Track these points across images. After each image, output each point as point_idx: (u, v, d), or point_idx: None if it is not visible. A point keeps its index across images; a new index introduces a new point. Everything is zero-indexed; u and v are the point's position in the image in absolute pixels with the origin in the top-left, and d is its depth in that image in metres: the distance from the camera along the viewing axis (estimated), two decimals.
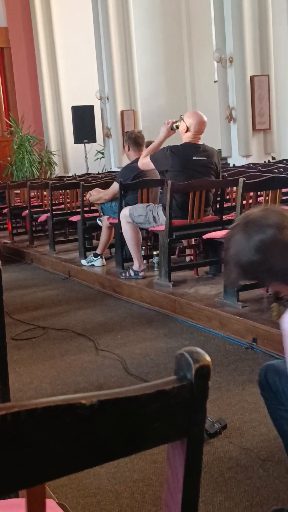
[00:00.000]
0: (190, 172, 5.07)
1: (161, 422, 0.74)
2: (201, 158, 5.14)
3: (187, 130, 5.11)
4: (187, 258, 5.63)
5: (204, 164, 5.17)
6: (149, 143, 6.05)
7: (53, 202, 7.57)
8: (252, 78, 9.67)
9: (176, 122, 5.20)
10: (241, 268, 1.74)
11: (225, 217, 5.37)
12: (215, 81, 11.62)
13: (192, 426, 0.76)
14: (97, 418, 0.69)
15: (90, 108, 13.73)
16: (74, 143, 14.06)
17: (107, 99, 12.87)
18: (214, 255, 5.29)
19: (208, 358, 0.75)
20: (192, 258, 5.51)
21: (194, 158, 5.11)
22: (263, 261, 1.69)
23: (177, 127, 5.19)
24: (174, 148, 5.13)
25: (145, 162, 5.27)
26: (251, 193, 5.14)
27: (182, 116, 5.17)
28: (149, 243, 6.10)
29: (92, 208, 6.87)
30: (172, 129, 5.21)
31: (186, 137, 5.16)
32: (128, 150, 5.97)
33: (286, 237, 1.67)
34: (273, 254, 1.68)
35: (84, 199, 6.54)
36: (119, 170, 8.86)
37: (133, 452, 0.76)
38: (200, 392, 0.75)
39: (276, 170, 5.45)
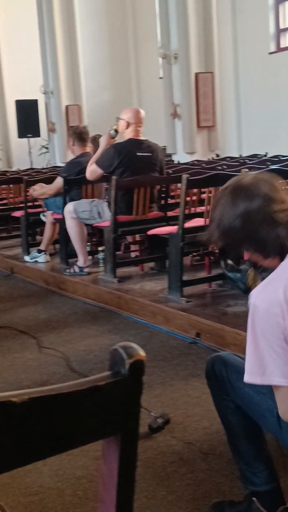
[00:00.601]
0: (135, 168, 5.07)
1: (96, 418, 0.74)
2: (145, 154, 5.16)
3: (128, 125, 5.13)
4: (133, 254, 5.64)
5: (148, 160, 5.18)
6: (95, 138, 6.03)
7: None
8: (196, 75, 9.77)
9: (113, 128, 5.22)
10: (221, 231, 1.76)
11: (169, 214, 5.40)
12: (160, 78, 11.67)
13: (127, 421, 0.76)
14: (29, 416, 0.68)
15: (34, 102, 13.57)
16: (18, 137, 13.87)
17: (52, 93, 12.75)
18: (159, 251, 5.31)
19: (142, 353, 0.75)
20: (138, 254, 5.52)
21: (138, 154, 5.12)
22: (243, 229, 1.71)
23: (116, 131, 5.20)
24: (118, 145, 5.13)
25: (92, 170, 5.21)
26: (195, 190, 5.20)
27: (118, 117, 5.22)
28: (94, 239, 6.07)
29: (35, 203, 6.78)
30: (112, 137, 5.20)
31: (128, 134, 5.17)
32: (73, 145, 5.92)
33: (270, 210, 1.68)
34: (254, 224, 1.69)
35: (28, 194, 6.44)
36: (63, 165, 8.79)
37: (68, 449, 0.75)
38: (134, 387, 0.75)
39: (220, 167, 5.51)
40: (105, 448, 0.78)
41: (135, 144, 5.13)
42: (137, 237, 5.49)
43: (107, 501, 0.79)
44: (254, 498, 1.93)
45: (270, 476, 1.93)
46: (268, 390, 1.92)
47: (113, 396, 0.74)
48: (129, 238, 5.55)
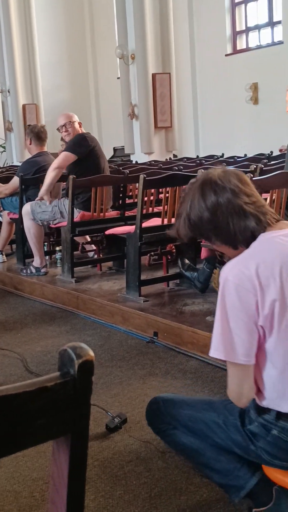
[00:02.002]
0: (97, 160, 5.18)
1: (45, 419, 0.74)
2: (97, 146, 5.34)
3: (80, 125, 5.44)
4: (90, 254, 5.62)
5: (101, 152, 5.35)
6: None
7: None
8: (153, 75, 9.80)
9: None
10: (190, 224, 1.79)
11: (127, 213, 5.42)
12: (118, 78, 11.68)
13: (76, 421, 0.76)
14: None
15: None
16: None
17: (8, 92, 12.60)
18: (117, 251, 5.32)
19: (91, 353, 0.75)
20: (96, 254, 5.51)
21: (96, 147, 5.25)
22: (212, 221, 1.74)
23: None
24: (82, 135, 5.34)
25: (64, 159, 5.20)
26: (153, 190, 5.22)
27: (64, 125, 5.41)
28: (51, 239, 6.03)
29: None
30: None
31: (78, 131, 5.36)
32: (30, 144, 5.87)
33: (239, 202, 1.71)
34: (223, 216, 1.72)
35: None
36: (20, 164, 8.70)
37: (17, 450, 0.75)
38: (83, 387, 0.75)
39: (177, 168, 5.55)
40: (55, 449, 0.78)
41: (88, 137, 5.37)
42: (87, 237, 5.50)
43: (58, 502, 0.79)
44: (254, 510, 1.90)
45: (250, 468, 1.92)
46: (208, 405, 1.95)
47: (62, 396, 0.74)
48: (83, 239, 5.53)
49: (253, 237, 1.72)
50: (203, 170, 4.55)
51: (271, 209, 1.79)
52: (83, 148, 5.18)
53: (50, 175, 5.22)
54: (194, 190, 1.78)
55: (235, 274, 1.65)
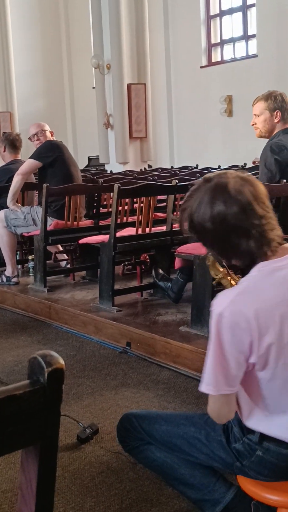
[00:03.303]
0: (65, 168, 5.18)
1: (14, 428, 0.72)
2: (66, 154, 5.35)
3: (52, 134, 5.49)
4: (63, 263, 5.59)
5: (72, 161, 5.38)
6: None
7: None
8: (129, 86, 9.85)
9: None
10: (191, 224, 1.68)
11: (101, 223, 5.40)
12: (93, 87, 11.70)
13: (46, 430, 0.74)
14: None
15: None
16: None
17: None
18: (91, 260, 5.30)
19: (61, 361, 0.74)
20: (69, 263, 5.48)
21: (64, 155, 5.25)
22: (212, 231, 1.63)
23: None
24: (49, 142, 5.35)
25: (27, 165, 5.19)
26: (127, 200, 5.23)
27: (34, 134, 5.45)
28: (24, 248, 5.98)
29: None
30: None
31: (47, 138, 5.42)
32: (4, 151, 5.83)
33: (246, 221, 1.60)
34: (225, 231, 1.62)
35: None
36: None
37: None
38: (53, 395, 0.74)
39: (151, 178, 5.56)
40: (24, 458, 0.77)
41: (59, 145, 5.39)
42: (60, 247, 5.48)
43: None
44: None
45: (226, 482, 1.90)
46: (186, 419, 1.94)
47: (32, 405, 0.72)
48: (55, 248, 5.50)
49: (251, 260, 1.65)
50: (177, 181, 4.58)
51: (279, 232, 1.66)
52: (48, 154, 5.17)
53: (13, 182, 5.22)
54: (205, 191, 1.65)
55: (232, 312, 1.57)
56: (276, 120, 3.97)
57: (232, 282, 1.91)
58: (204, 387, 1.63)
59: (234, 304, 1.57)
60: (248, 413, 1.72)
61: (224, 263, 1.84)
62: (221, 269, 1.94)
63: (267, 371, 1.62)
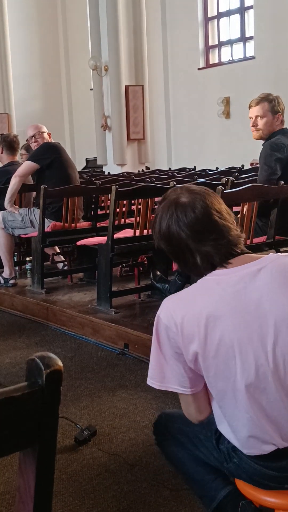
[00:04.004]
0: (63, 170, 5.18)
1: (11, 430, 0.72)
2: (63, 156, 5.34)
3: (49, 135, 5.49)
4: (60, 265, 5.58)
5: (70, 163, 5.36)
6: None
7: None
8: (126, 87, 9.85)
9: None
10: (158, 240, 1.73)
11: (99, 224, 5.40)
12: (91, 89, 11.70)
13: (44, 432, 0.74)
14: None
15: None
16: None
17: None
18: (89, 262, 5.29)
19: (59, 363, 0.74)
20: (66, 265, 5.48)
21: (62, 157, 5.24)
22: (167, 248, 1.71)
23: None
24: (46, 144, 5.33)
25: (25, 168, 5.19)
26: (125, 201, 5.23)
27: (32, 136, 5.44)
28: (21, 249, 5.98)
29: None
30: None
31: (45, 140, 5.41)
32: (1, 153, 5.83)
33: (190, 242, 1.63)
34: (175, 248, 1.68)
35: None
36: None
37: None
38: (51, 397, 0.73)
39: (149, 180, 5.56)
40: (22, 460, 0.76)
41: (57, 146, 5.40)
42: (57, 249, 5.47)
43: None
44: None
45: (224, 480, 1.92)
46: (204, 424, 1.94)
47: (30, 406, 0.72)
48: (52, 250, 5.50)
49: (202, 271, 1.69)
50: (174, 183, 4.58)
51: (236, 239, 1.67)
52: (46, 156, 5.17)
53: (10, 184, 5.22)
54: (160, 209, 1.71)
55: (166, 316, 1.63)
56: (278, 123, 4.08)
57: None
58: (148, 381, 1.72)
59: (169, 309, 1.64)
60: (218, 418, 1.75)
61: None
62: None
63: (206, 378, 1.65)
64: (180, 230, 1.64)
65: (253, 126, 4.13)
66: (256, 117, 4.10)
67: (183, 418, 1.96)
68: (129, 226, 4.84)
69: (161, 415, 2.11)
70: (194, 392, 1.68)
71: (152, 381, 1.71)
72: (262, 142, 4.21)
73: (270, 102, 4.06)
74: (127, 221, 5.17)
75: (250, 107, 4.17)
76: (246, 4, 11.15)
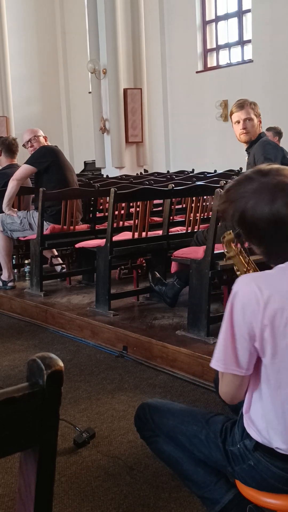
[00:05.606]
0: (61, 173, 5.18)
1: (12, 430, 0.72)
2: (61, 159, 5.35)
3: (45, 139, 5.51)
4: (58, 268, 5.59)
5: (68, 166, 5.38)
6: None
7: None
8: (125, 90, 9.86)
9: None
10: (242, 219, 1.60)
11: (97, 227, 5.40)
12: (90, 92, 11.71)
13: (45, 433, 0.74)
14: None
15: None
16: None
17: None
18: (87, 264, 5.30)
19: (60, 363, 0.74)
20: (64, 268, 5.48)
21: (59, 160, 5.24)
22: (262, 230, 1.57)
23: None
24: (43, 148, 5.34)
25: (22, 171, 5.19)
26: (123, 204, 5.23)
27: (28, 141, 5.47)
28: (20, 252, 5.98)
29: None
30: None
31: (41, 143, 5.42)
32: (0, 156, 5.83)
33: None
34: (278, 233, 1.56)
35: None
36: None
37: None
38: (52, 398, 0.74)
39: (147, 182, 5.56)
40: (23, 461, 0.76)
41: (55, 149, 5.41)
42: (55, 251, 5.48)
43: None
44: None
45: (227, 483, 1.90)
46: (190, 417, 1.93)
47: (30, 407, 0.72)
48: (50, 253, 5.50)
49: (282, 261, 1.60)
50: (173, 185, 4.58)
51: None
52: (43, 160, 5.17)
53: (8, 187, 5.23)
54: (262, 187, 1.56)
55: (246, 292, 1.55)
56: (260, 126, 4.23)
57: (243, 261, 1.92)
58: (213, 363, 1.63)
59: (251, 284, 1.55)
60: (252, 417, 1.70)
61: (242, 245, 1.81)
62: (235, 248, 1.94)
63: (270, 361, 1.59)
64: None
65: (243, 128, 4.18)
66: (245, 120, 4.15)
67: (176, 414, 1.93)
68: (128, 228, 4.84)
69: (143, 406, 2.03)
70: (246, 374, 1.62)
71: (218, 363, 1.61)
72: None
73: (255, 105, 4.19)
74: (126, 223, 5.18)
75: (233, 112, 4.23)
76: (244, 8, 11.18)
